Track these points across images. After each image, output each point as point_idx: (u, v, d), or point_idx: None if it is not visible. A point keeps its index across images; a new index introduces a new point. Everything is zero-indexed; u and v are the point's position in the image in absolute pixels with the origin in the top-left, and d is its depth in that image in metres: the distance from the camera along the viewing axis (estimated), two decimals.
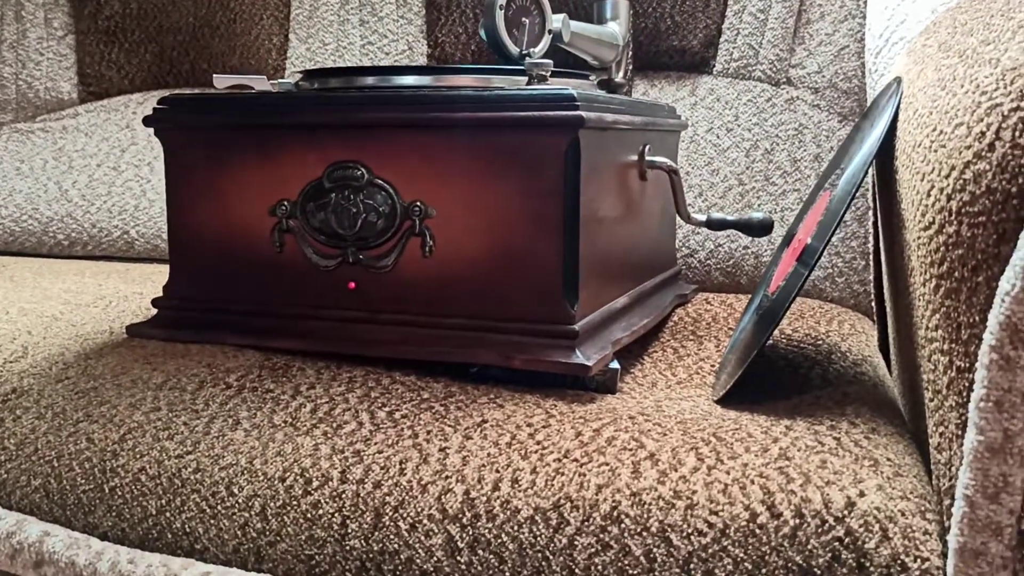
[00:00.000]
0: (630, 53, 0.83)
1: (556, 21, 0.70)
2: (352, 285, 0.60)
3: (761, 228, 0.72)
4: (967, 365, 0.37)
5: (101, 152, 1.09)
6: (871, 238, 0.80)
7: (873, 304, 0.78)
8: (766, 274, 0.68)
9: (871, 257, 0.79)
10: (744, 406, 0.53)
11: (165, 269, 0.67)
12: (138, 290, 0.80)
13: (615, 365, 0.58)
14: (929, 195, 0.40)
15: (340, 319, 0.60)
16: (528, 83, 0.57)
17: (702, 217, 0.73)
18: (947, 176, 0.38)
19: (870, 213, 0.81)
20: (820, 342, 0.66)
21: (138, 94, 1.13)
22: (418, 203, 0.58)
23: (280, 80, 0.67)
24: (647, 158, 0.68)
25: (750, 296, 0.81)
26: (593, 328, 0.58)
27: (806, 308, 0.77)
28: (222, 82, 0.66)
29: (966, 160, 0.37)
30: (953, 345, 0.38)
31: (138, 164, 1.06)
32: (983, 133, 0.36)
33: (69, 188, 1.07)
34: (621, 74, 0.83)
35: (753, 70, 0.89)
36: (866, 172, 0.51)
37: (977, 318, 0.36)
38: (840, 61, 0.86)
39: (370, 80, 0.62)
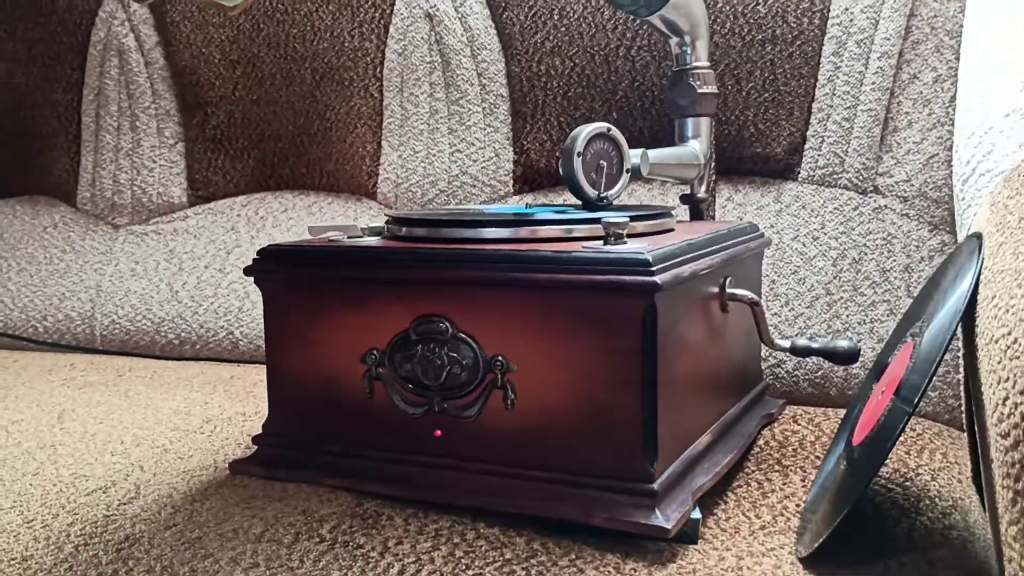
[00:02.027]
0: (712, 166, 0.83)
1: (634, 157, 0.72)
2: (438, 433, 0.62)
3: (846, 357, 0.71)
4: None
5: (208, 254, 1.15)
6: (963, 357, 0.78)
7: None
8: (851, 410, 0.68)
9: (963, 380, 0.77)
10: (827, 570, 0.53)
11: (265, 375, 0.70)
12: (241, 409, 0.84)
13: (696, 515, 0.58)
14: (1005, 403, 0.40)
15: (427, 465, 0.63)
16: (605, 242, 0.59)
17: (786, 344, 0.73)
18: (1021, 393, 0.38)
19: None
20: (909, 483, 0.65)
21: (242, 196, 1.19)
22: (500, 357, 0.60)
23: (371, 225, 0.70)
24: (728, 291, 0.68)
25: (839, 414, 0.80)
26: (674, 480, 0.58)
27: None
28: (316, 231, 0.70)
29: None
30: None
31: (241, 267, 1.12)
32: None
33: (179, 289, 1.14)
34: (704, 188, 0.84)
35: (839, 178, 0.89)
36: (952, 335, 0.51)
37: None
38: (929, 170, 0.85)
39: (454, 232, 0.64)
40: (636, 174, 0.72)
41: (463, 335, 0.61)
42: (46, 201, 1.28)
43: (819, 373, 0.85)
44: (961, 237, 0.69)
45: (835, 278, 0.86)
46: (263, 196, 1.18)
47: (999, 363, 0.41)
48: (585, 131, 0.67)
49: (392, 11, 1.07)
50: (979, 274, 0.50)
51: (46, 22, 1.25)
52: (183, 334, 1.11)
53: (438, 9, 1.04)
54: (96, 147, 1.24)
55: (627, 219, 0.59)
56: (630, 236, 0.64)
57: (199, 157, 1.20)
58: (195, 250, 1.16)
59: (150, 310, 1.14)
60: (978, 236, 0.55)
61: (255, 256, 0.68)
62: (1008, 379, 0.39)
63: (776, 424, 0.78)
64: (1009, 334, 0.40)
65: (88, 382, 0.96)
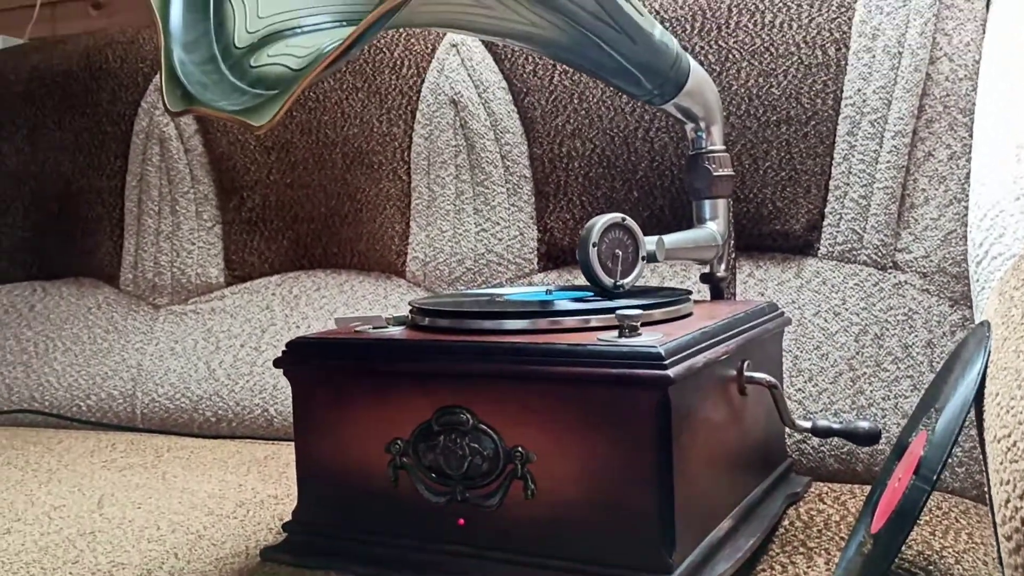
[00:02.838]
0: (731, 245, 0.85)
1: (650, 244, 0.73)
2: (461, 522, 0.63)
3: (868, 438, 0.71)
4: None
5: (244, 332, 1.18)
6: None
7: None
8: (873, 493, 0.68)
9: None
10: None
11: None
12: (273, 492, 0.86)
13: None
14: (1007, 506, 0.40)
15: (451, 553, 0.64)
16: (620, 335, 0.60)
17: (807, 424, 0.73)
18: (1020, 497, 0.38)
19: None
20: (932, 567, 0.65)
21: (276, 276, 1.23)
22: (520, 448, 0.61)
23: (395, 315, 0.73)
24: (746, 374, 0.69)
25: (866, 491, 0.80)
26: (693, 570, 0.59)
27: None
28: (342, 323, 0.72)
29: None
30: None
31: (276, 345, 1.15)
32: None
33: (216, 368, 1.17)
34: (723, 267, 0.85)
35: (858, 254, 0.90)
36: (961, 428, 0.51)
37: None
38: (948, 246, 0.86)
39: (475, 323, 0.66)
40: (652, 260, 0.74)
41: (484, 426, 0.62)
42: (90, 283, 1.33)
43: (845, 449, 0.85)
44: (978, 318, 0.70)
45: (858, 354, 0.87)
46: (297, 275, 1.21)
47: (1001, 464, 0.42)
48: (600, 222, 0.69)
49: (419, 98, 1.11)
50: (986, 366, 0.51)
51: (92, 113, 1.31)
52: (220, 412, 1.14)
53: (462, 95, 1.08)
54: (138, 230, 1.29)
55: (640, 311, 0.61)
56: (646, 324, 0.65)
57: (236, 239, 1.24)
58: (232, 329, 1.20)
59: (188, 388, 1.17)
60: (986, 325, 0.55)
61: (283, 349, 0.70)
62: (1009, 482, 0.40)
63: (802, 503, 0.79)
64: (1009, 436, 0.41)
65: (128, 464, 0.98)
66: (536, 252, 1.05)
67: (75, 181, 1.33)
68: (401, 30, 1.13)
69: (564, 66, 1.02)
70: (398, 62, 1.13)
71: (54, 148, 1.34)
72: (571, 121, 1.02)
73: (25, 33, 1.74)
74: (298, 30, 0.67)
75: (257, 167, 1.21)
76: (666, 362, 0.56)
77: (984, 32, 0.89)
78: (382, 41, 1.14)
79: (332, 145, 1.16)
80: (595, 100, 1.01)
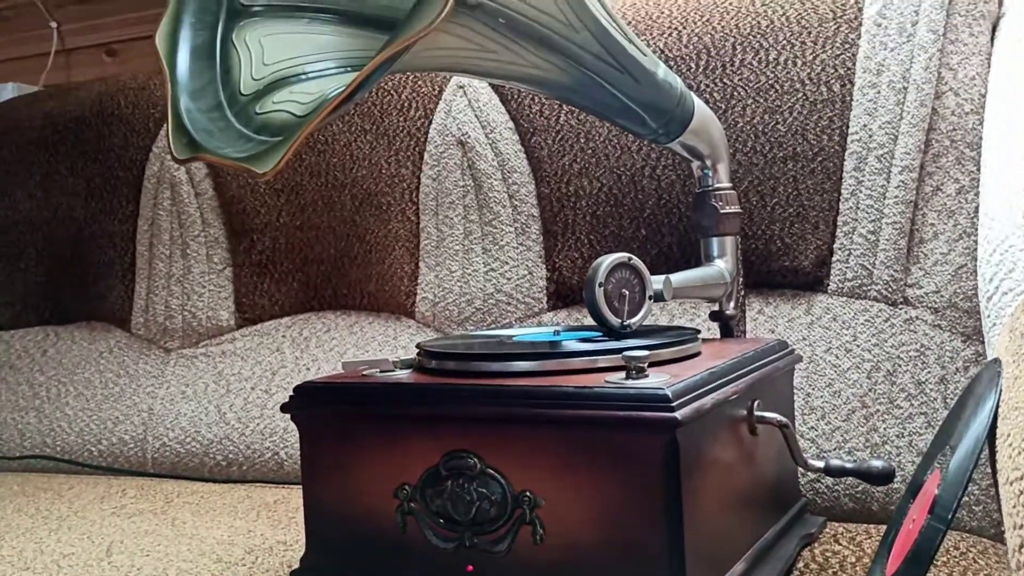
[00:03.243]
0: (740, 282, 0.84)
1: (657, 283, 0.73)
2: (470, 568, 0.63)
3: (882, 477, 0.70)
4: None
5: (255, 375, 1.18)
6: None
7: None
8: (888, 534, 0.67)
9: None
10: None
11: None
12: (282, 538, 0.85)
13: None
14: (1020, 550, 0.39)
15: None
16: (627, 376, 0.60)
17: (820, 463, 0.72)
18: None
19: None
20: None
21: (287, 318, 1.23)
22: (528, 492, 0.60)
23: (402, 358, 0.72)
24: (756, 414, 0.69)
25: (881, 531, 0.78)
26: None
27: (940, 547, 0.74)
28: (350, 367, 0.72)
29: None
30: None
31: (286, 387, 1.15)
32: None
33: (227, 411, 1.17)
34: (732, 304, 0.85)
35: (868, 290, 0.89)
36: (974, 468, 0.50)
37: None
38: (959, 280, 0.85)
39: (483, 365, 0.66)
40: (659, 299, 0.73)
41: (491, 470, 0.62)
42: (102, 327, 1.34)
43: (860, 488, 0.84)
44: (990, 354, 0.69)
45: (870, 391, 0.86)
46: (307, 317, 1.21)
47: (1013, 507, 0.41)
48: (606, 262, 0.69)
49: (426, 139, 1.12)
50: (998, 406, 0.50)
51: (104, 158, 1.33)
52: (230, 455, 1.14)
53: (469, 136, 1.09)
54: (149, 274, 1.29)
55: (646, 352, 0.60)
56: (655, 364, 0.65)
57: (246, 281, 1.24)
58: (242, 371, 1.20)
59: (199, 432, 1.17)
60: (999, 361, 0.55)
61: (291, 394, 0.70)
62: (1022, 526, 0.39)
63: (816, 544, 0.77)
64: (1022, 479, 0.40)
65: (138, 510, 0.98)
66: (545, 291, 1.05)
67: (87, 226, 1.34)
68: (408, 73, 1.15)
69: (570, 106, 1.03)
70: (405, 104, 1.14)
71: (67, 193, 1.36)
72: (578, 160, 1.02)
73: (40, 80, 1.77)
74: (303, 76, 0.68)
75: (267, 210, 1.22)
76: (674, 404, 0.56)
77: (989, 66, 0.89)
78: (389, 84, 1.15)
79: (341, 187, 1.17)
80: (602, 139, 1.01)
